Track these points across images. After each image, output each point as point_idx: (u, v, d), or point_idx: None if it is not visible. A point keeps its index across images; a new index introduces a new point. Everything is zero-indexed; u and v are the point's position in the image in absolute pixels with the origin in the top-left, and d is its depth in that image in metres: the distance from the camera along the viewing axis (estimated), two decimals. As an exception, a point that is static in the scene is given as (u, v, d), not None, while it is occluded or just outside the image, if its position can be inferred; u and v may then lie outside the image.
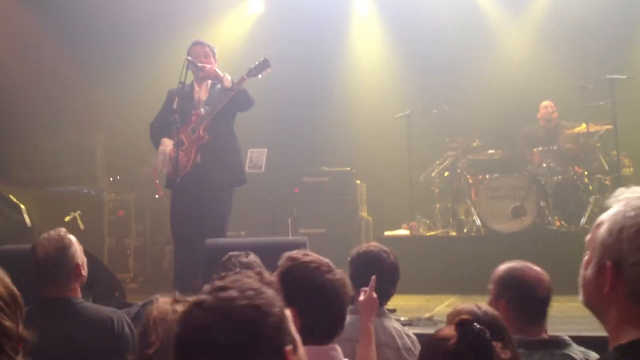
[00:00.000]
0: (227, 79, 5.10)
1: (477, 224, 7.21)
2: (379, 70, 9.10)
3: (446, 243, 7.32)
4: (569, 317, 4.01)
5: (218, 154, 5.12)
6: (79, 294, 2.91)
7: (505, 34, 8.77)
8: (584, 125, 7.25)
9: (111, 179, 8.05)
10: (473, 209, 7.33)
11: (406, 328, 3.05)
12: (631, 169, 7.25)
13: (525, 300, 2.46)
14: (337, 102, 8.91)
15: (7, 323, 1.47)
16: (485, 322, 2.04)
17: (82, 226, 7.05)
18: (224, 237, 5.00)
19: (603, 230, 1.38)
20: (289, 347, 1.22)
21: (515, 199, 6.96)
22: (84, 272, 2.91)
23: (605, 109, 6.93)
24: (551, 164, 7.17)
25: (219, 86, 5.20)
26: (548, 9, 8.59)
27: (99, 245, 7.26)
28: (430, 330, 3.85)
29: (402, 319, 4.29)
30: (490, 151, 7.75)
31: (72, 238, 2.92)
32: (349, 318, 2.79)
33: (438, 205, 7.85)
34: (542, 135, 7.55)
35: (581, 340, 2.52)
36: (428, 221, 7.86)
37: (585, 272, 1.42)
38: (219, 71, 5.15)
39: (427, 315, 4.56)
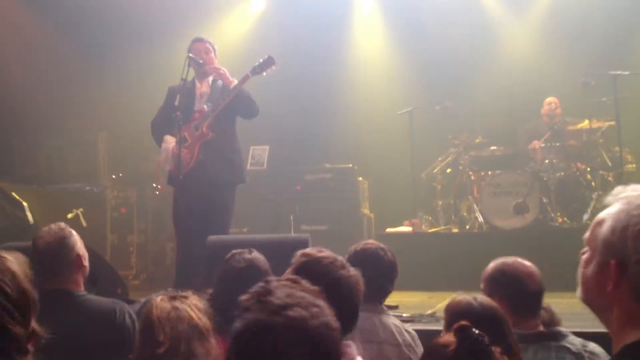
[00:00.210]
0: (231, 79, 5.09)
1: (480, 220, 7.20)
2: (381, 67, 9.08)
3: (448, 240, 7.29)
4: (572, 313, 4.00)
5: (220, 151, 5.11)
6: (82, 287, 2.89)
7: (508, 30, 8.74)
8: (586, 122, 7.24)
9: (114, 176, 8.06)
10: (475, 206, 7.32)
11: (406, 324, 3.04)
12: (634, 165, 7.24)
13: (517, 295, 2.47)
14: (339, 99, 8.90)
15: (13, 327, 1.42)
16: (483, 314, 2.05)
17: (84, 223, 7.06)
18: (227, 234, 5.00)
19: (605, 228, 1.37)
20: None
21: (517, 196, 6.95)
22: (86, 263, 2.90)
23: (608, 105, 6.92)
24: (554, 160, 7.15)
25: (220, 82, 5.20)
26: (551, 5, 8.58)
27: (101, 242, 7.28)
28: (432, 327, 3.88)
29: (404, 315, 4.29)
30: (492, 148, 7.74)
31: (72, 230, 2.92)
32: (376, 320, 2.79)
33: (440, 202, 7.84)
34: (546, 131, 7.53)
35: (586, 337, 2.52)
36: (430, 218, 7.86)
37: (585, 270, 1.42)
38: (227, 74, 5.13)
39: (429, 311, 4.56)
